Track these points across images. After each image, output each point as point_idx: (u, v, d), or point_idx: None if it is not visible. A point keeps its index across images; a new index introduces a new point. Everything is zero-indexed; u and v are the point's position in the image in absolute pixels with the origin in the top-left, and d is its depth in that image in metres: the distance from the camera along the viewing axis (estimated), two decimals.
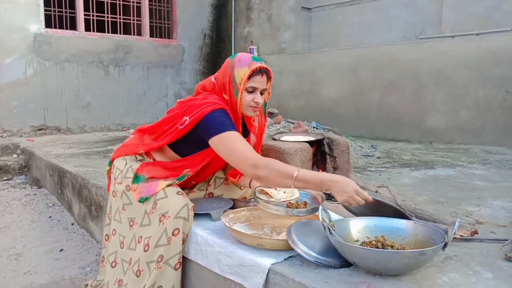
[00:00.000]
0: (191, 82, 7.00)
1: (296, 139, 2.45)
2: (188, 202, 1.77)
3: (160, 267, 1.69)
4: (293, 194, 1.82)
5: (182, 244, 1.73)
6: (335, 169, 2.46)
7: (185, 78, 6.98)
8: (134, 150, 1.96)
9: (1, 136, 5.24)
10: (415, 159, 3.56)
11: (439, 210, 2.05)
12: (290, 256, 1.50)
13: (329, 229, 1.46)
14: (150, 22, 6.74)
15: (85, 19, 6.04)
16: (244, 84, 1.71)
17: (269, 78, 1.79)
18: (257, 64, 1.73)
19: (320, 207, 1.53)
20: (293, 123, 4.57)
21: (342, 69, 5.42)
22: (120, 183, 1.91)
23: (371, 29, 5.20)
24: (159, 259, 1.69)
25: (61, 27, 5.87)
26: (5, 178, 4.33)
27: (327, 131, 4.14)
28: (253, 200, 2.11)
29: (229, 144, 1.67)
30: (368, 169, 3.10)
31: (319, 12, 5.97)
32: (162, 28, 6.95)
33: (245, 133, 1.91)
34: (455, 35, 4.46)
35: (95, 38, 6.10)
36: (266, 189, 1.82)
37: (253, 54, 6.77)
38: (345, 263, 1.40)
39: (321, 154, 2.50)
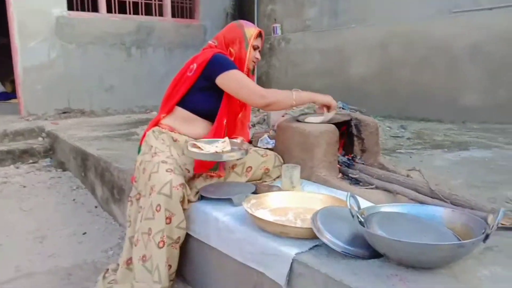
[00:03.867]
0: None
1: (321, 121, 2.32)
2: (173, 179, 1.75)
3: (150, 240, 1.73)
4: (224, 148, 1.93)
5: (169, 223, 1.74)
6: (363, 152, 2.33)
7: None
8: (150, 126, 2.11)
9: (27, 119, 5.30)
10: (447, 140, 3.37)
11: (476, 195, 1.91)
12: (316, 245, 1.41)
13: (358, 218, 1.36)
14: (171, 2, 6.62)
15: (106, 0, 5.98)
16: (253, 40, 2.05)
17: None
18: (259, 28, 2.11)
19: (349, 194, 1.43)
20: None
21: (370, 46, 5.18)
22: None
23: (401, 4, 4.91)
24: (149, 232, 1.74)
25: (83, 10, 5.84)
26: (31, 161, 4.38)
27: (354, 111, 3.97)
28: (275, 185, 2.05)
29: (237, 80, 1.94)
30: (397, 150, 2.95)
31: None
32: (184, 8, 6.83)
33: None
34: (493, 7, 4.16)
35: (117, 20, 6.04)
36: (198, 144, 1.91)
37: (276, 32, 6.59)
38: (375, 253, 1.30)
39: (348, 136, 2.37)
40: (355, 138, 2.33)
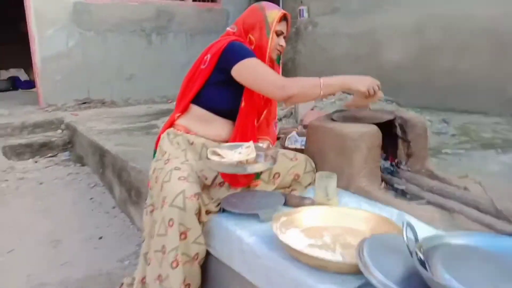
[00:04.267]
0: None
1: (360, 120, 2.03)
2: (187, 189, 1.51)
3: (165, 258, 1.52)
4: (248, 154, 1.67)
5: (184, 239, 1.51)
6: (408, 156, 2.03)
7: None
8: (165, 127, 1.89)
9: (46, 110, 5.17)
10: (498, 137, 3.00)
11: None
12: (362, 285, 1.15)
13: (417, 255, 1.09)
14: None
15: None
16: (276, 25, 1.76)
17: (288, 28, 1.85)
18: (284, 11, 1.80)
19: (405, 223, 1.16)
20: (348, 93, 4.09)
21: (405, 30, 4.76)
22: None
23: None
24: (163, 249, 1.52)
25: None
26: (49, 154, 4.25)
27: (390, 102, 3.64)
28: (307, 196, 1.79)
29: (254, 70, 1.67)
30: (443, 151, 2.62)
31: None
32: None
33: None
34: None
35: (136, 5, 5.80)
36: (219, 150, 1.67)
37: (302, 15, 6.22)
38: None
39: (391, 138, 2.07)
40: (400, 141, 2.03)
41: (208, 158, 1.66)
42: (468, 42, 4.22)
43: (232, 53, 1.69)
